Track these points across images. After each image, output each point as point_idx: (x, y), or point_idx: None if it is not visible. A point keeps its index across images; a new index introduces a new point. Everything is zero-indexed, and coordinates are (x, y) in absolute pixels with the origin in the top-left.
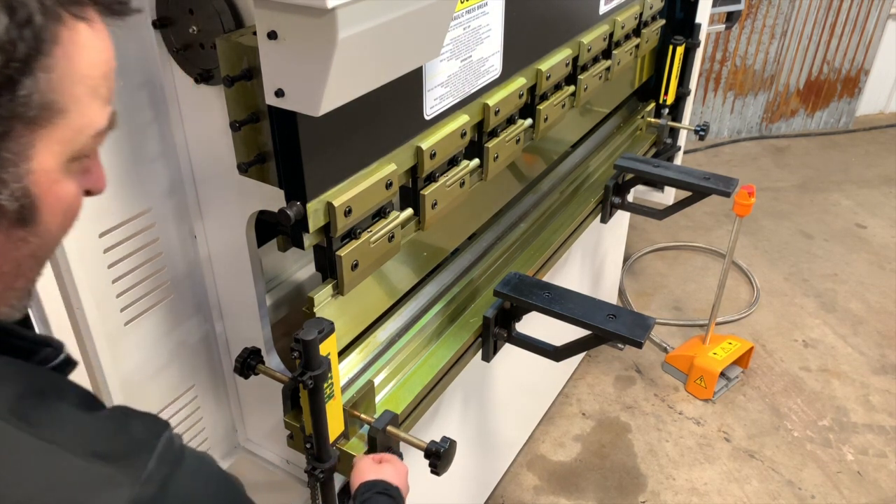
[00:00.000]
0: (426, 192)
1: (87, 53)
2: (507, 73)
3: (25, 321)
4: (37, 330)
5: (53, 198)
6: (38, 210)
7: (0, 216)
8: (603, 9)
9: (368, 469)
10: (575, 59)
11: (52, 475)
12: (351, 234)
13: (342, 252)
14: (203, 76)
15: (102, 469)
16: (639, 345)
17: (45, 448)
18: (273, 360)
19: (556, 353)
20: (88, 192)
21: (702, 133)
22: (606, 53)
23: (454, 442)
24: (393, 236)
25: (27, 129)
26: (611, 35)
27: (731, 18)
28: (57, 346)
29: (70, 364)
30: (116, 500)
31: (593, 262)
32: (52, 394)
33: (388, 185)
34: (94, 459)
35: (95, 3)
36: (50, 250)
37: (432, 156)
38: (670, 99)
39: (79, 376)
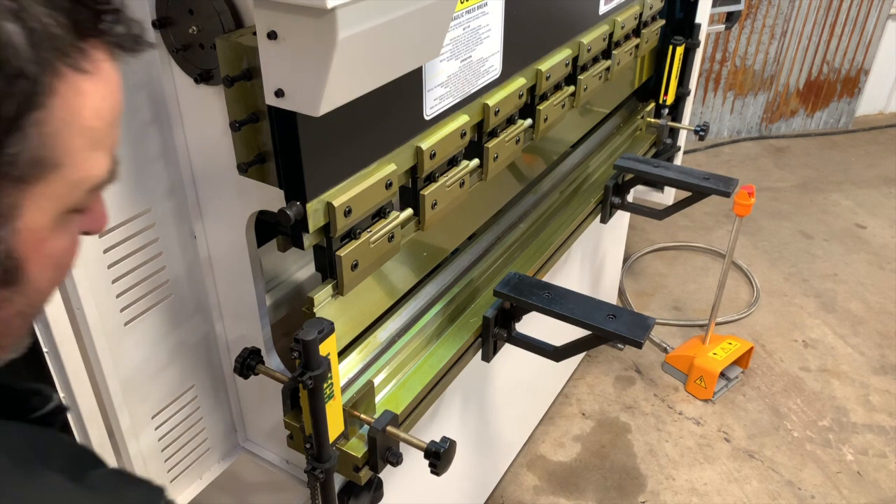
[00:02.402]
0: (426, 192)
1: (91, 101)
2: (507, 74)
3: None
4: (38, 333)
5: (42, 255)
6: (25, 270)
7: None
8: (603, 9)
9: None
10: (575, 60)
11: None
12: (351, 235)
13: (342, 252)
14: (203, 76)
15: None
16: (639, 345)
17: None
18: (273, 361)
19: (556, 353)
20: (86, 233)
21: (702, 133)
22: (606, 53)
23: (454, 442)
24: (393, 236)
25: (14, 189)
26: (611, 35)
27: (730, 18)
28: (46, 395)
29: (61, 411)
30: None
31: (593, 262)
32: (40, 463)
33: (388, 186)
34: None
35: (105, 41)
36: (39, 306)
37: (432, 156)
38: (670, 99)
39: (79, 377)
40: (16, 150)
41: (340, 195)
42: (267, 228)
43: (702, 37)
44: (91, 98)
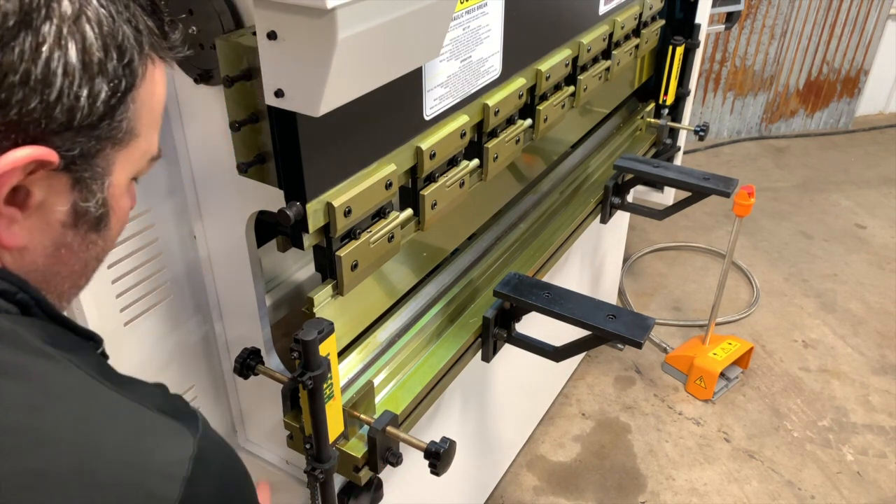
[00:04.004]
0: (426, 192)
1: (157, 90)
2: (507, 74)
3: None
4: None
5: (119, 209)
6: (109, 218)
7: (83, 221)
8: (603, 9)
9: None
10: (575, 60)
11: (137, 424)
12: (350, 235)
13: (342, 252)
14: (203, 76)
15: (171, 422)
16: (638, 345)
17: (128, 403)
18: (273, 361)
19: (556, 354)
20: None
21: (701, 133)
22: (606, 54)
23: (454, 442)
24: (393, 237)
25: (113, 150)
26: (610, 35)
27: (730, 19)
28: (98, 341)
29: (105, 358)
30: (186, 447)
31: (593, 262)
32: (112, 369)
33: (388, 186)
34: (164, 414)
35: (167, 44)
36: (106, 254)
37: (432, 156)
38: (670, 99)
39: None
40: (122, 118)
41: (340, 195)
42: (267, 228)
43: (702, 37)
44: (158, 86)
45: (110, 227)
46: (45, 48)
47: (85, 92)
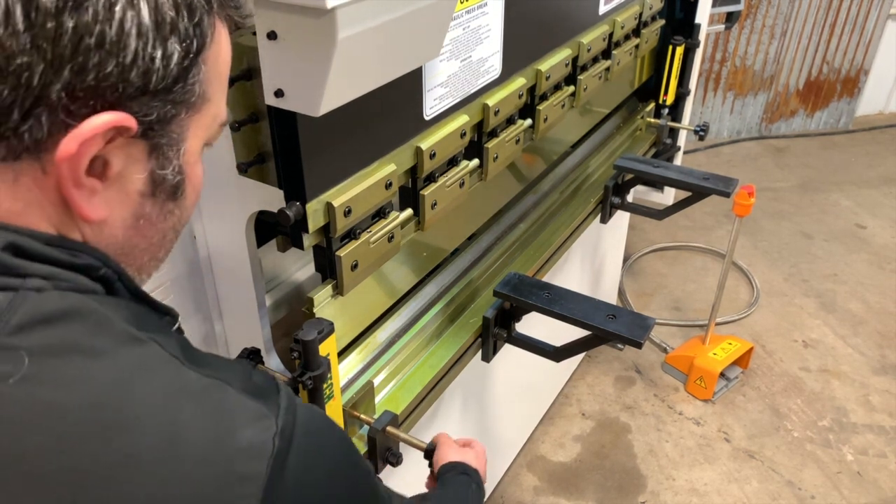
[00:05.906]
0: (426, 192)
1: (224, 52)
2: (507, 74)
3: None
4: None
5: (195, 177)
6: (185, 186)
7: (161, 190)
8: (603, 9)
9: (453, 452)
10: (574, 60)
11: (221, 405)
12: (350, 235)
13: (342, 252)
14: None
15: (254, 403)
16: (639, 345)
17: (213, 383)
18: (273, 361)
19: (556, 354)
20: None
21: (701, 133)
22: (606, 53)
23: None
24: (392, 236)
25: (187, 114)
26: (610, 35)
27: (730, 18)
28: (175, 316)
29: (181, 333)
30: (268, 428)
31: (593, 262)
32: (193, 346)
33: (388, 186)
34: (246, 394)
35: (227, 5)
36: (184, 224)
37: (432, 156)
38: (670, 99)
39: None
40: (194, 80)
41: (340, 195)
42: (267, 228)
43: (702, 37)
44: (224, 48)
45: (186, 195)
46: (117, 8)
47: (159, 53)
